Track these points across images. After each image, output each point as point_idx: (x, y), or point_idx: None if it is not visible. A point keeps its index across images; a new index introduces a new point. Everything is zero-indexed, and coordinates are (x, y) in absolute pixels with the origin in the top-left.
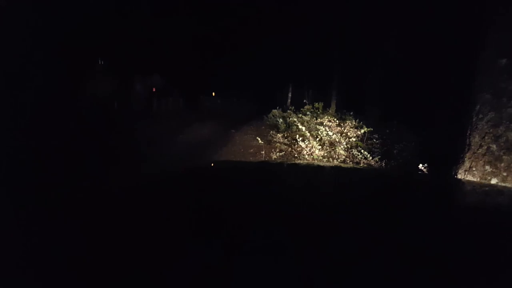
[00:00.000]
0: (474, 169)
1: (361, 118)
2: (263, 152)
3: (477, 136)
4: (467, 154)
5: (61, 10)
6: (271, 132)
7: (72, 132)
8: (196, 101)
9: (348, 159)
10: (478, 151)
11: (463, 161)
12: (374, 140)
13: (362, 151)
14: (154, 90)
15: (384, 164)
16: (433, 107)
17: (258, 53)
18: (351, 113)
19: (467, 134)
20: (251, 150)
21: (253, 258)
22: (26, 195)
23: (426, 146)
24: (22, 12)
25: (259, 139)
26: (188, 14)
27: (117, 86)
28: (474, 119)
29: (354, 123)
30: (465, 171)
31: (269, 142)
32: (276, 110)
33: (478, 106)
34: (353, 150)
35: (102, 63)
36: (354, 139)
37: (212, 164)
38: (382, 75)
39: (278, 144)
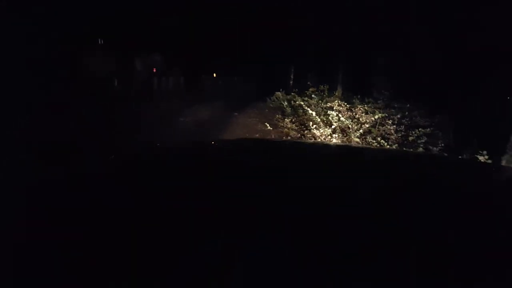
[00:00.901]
0: None
1: (370, 102)
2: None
3: None
4: None
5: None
6: (277, 116)
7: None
8: (197, 82)
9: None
10: None
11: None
12: (388, 126)
13: (378, 138)
14: (154, 70)
15: None
16: (455, 91)
17: (259, 37)
18: (358, 96)
19: None
20: (257, 135)
21: None
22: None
23: (447, 134)
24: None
25: (267, 124)
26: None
27: (117, 66)
28: None
29: (366, 107)
30: None
31: (275, 127)
32: (279, 93)
33: None
34: (367, 137)
35: (102, 42)
36: (367, 125)
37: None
38: (397, 57)
39: (286, 129)
